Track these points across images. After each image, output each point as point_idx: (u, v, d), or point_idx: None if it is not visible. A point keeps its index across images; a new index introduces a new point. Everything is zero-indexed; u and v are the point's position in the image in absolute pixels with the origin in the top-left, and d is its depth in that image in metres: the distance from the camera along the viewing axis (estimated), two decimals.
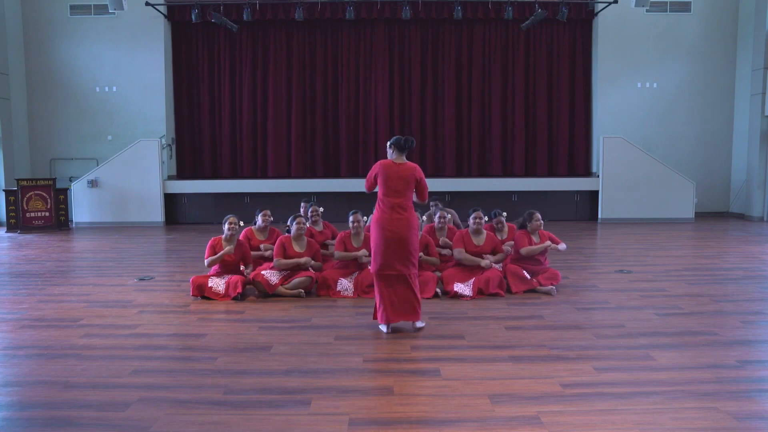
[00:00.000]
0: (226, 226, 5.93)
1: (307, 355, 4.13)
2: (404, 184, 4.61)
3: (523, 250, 6.04)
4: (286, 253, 5.94)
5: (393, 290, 4.62)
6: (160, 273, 7.24)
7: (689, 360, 3.99)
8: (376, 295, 4.72)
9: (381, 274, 4.65)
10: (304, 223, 6.07)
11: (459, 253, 5.99)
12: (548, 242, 6.08)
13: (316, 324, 4.92)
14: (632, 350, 4.18)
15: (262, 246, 6.38)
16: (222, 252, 5.84)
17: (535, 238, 6.14)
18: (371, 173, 4.69)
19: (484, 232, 6.14)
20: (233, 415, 3.20)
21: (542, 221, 6.16)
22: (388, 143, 4.74)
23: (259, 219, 6.43)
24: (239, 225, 6.01)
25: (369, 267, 6.20)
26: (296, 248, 5.99)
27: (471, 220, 6.07)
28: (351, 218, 6.12)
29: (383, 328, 4.68)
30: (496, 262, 6.15)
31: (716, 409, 3.20)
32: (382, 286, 4.65)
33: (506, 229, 6.58)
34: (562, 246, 6.11)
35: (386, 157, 4.78)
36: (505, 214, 6.63)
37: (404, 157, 4.71)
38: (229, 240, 5.97)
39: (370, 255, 6.00)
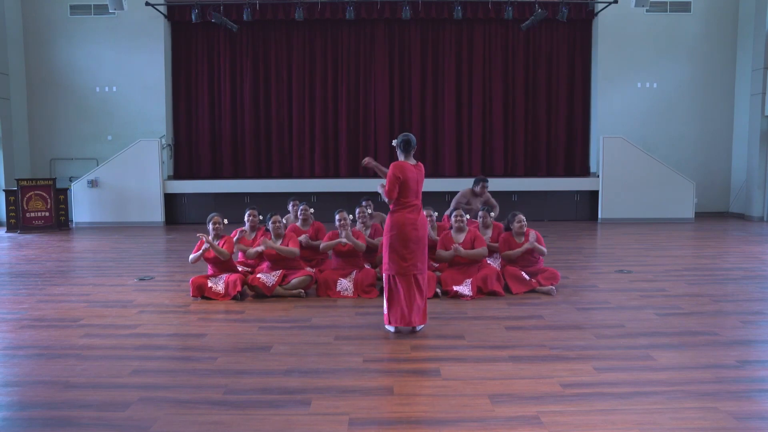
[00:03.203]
0: (210, 226, 5.89)
1: (307, 355, 4.13)
2: (420, 185, 4.66)
3: (503, 255, 6.12)
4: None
5: (411, 292, 4.60)
6: (160, 273, 7.24)
7: (689, 360, 3.99)
8: (388, 297, 4.65)
9: (405, 275, 4.58)
10: (281, 222, 6.04)
11: (437, 253, 6.04)
12: (526, 245, 6.06)
13: (316, 324, 4.92)
14: (632, 350, 4.18)
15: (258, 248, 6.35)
16: (201, 250, 5.73)
17: (518, 239, 6.15)
18: (394, 179, 4.49)
19: (466, 229, 6.15)
20: (233, 415, 3.20)
21: (525, 222, 6.17)
22: (397, 143, 4.65)
23: (246, 222, 6.39)
24: (223, 224, 5.96)
25: (367, 266, 6.24)
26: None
27: (452, 219, 6.14)
28: (337, 216, 6.11)
29: (390, 328, 4.68)
30: (472, 258, 5.96)
31: (716, 409, 3.20)
32: (404, 288, 4.59)
33: (491, 227, 6.60)
34: (543, 249, 6.09)
35: (389, 158, 4.80)
36: (492, 214, 6.66)
37: (410, 157, 4.68)
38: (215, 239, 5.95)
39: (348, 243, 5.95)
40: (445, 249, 6.03)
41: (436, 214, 6.75)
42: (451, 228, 6.27)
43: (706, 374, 3.71)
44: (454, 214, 6.15)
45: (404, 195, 4.56)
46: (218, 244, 5.84)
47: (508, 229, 6.27)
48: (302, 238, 6.37)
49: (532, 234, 6.08)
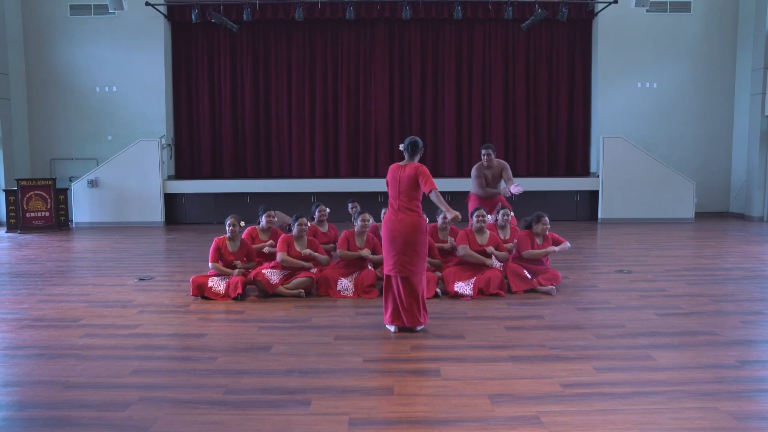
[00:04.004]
0: (228, 227, 5.99)
1: (307, 355, 4.13)
2: (407, 185, 4.63)
3: (526, 254, 6.04)
4: (289, 251, 5.94)
5: (399, 294, 4.62)
6: (160, 273, 7.24)
7: (689, 360, 3.99)
8: (384, 295, 4.74)
9: (389, 276, 4.68)
10: (306, 225, 6.08)
11: (464, 249, 5.95)
12: (552, 248, 6.10)
13: (316, 324, 4.92)
14: (632, 350, 4.18)
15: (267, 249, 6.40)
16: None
17: (538, 241, 6.14)
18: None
19: (488, 231, 6.15)
20: (233, 415, 3.20)
21: (549, 225, 6.16)
22: (404, 147, 4.78)
23: (263, 220, 6.47)
24: (240, 225, 6.03)
25: (370, 267, 6.23)
26: (297, 248, 6.00)
27: (474, 219, 6.08)
28: (359, 218, 6.12)
29: (391, 328, 4.69)
30: (501, 260, 6.14)
31: (716, 409, 3.20)
32: (390, 288, 4.67)
33: (509, 228, 6.58)
34: (567, 245, 6.15)
35: (389, 158, 4.84)
36: (512, 214, 6.63)
37: (414, 159, 4.74)
38: (231, 240, 6.00)
39: (373, 254, 6.05)
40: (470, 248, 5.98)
41: (452, 216, 6.72)
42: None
43: (706, 374, 3.71)
44: (476, 214, 6.10)
45: (390, 195, 4.78)
46: (237, 247, 6.06)
47: (528, 227, 6.23)
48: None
49: (566, 244, 6.17)
